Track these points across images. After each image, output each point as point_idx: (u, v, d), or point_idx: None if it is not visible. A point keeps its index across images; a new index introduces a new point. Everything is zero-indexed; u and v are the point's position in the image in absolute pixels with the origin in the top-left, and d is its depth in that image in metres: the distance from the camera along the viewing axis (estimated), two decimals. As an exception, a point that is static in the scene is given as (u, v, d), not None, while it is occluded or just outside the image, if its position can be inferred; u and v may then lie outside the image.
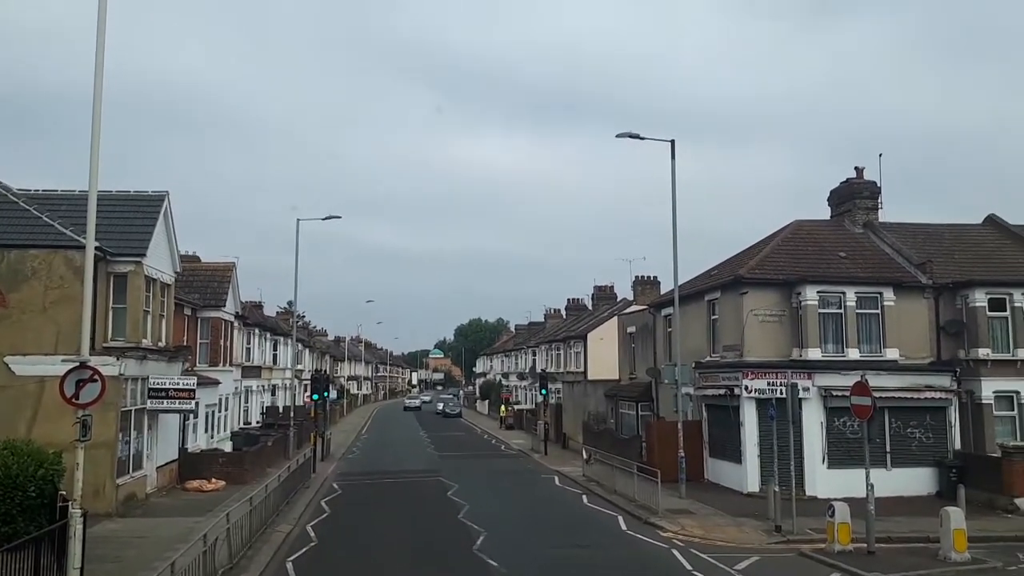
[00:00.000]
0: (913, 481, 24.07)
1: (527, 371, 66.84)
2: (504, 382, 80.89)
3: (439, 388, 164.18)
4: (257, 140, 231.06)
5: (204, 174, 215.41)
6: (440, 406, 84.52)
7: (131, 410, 22.01)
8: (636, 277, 48.56)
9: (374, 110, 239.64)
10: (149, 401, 23.01)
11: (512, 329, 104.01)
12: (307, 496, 25.18)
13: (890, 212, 31.23)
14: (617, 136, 24.23)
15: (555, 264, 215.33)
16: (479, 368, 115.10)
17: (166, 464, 25.50)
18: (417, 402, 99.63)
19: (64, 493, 13.14)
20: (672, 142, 24.73)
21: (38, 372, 19.38)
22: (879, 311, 25.69)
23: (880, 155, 37.04)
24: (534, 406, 54.98)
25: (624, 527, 20.13)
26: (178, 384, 23.72)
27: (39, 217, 21.09)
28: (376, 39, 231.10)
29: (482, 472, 32.73)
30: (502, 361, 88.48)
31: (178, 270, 26.09)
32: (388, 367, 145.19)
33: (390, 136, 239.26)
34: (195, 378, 25.31)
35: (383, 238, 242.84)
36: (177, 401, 23.52)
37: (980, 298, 25.58)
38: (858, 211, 30.01)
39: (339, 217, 37.50)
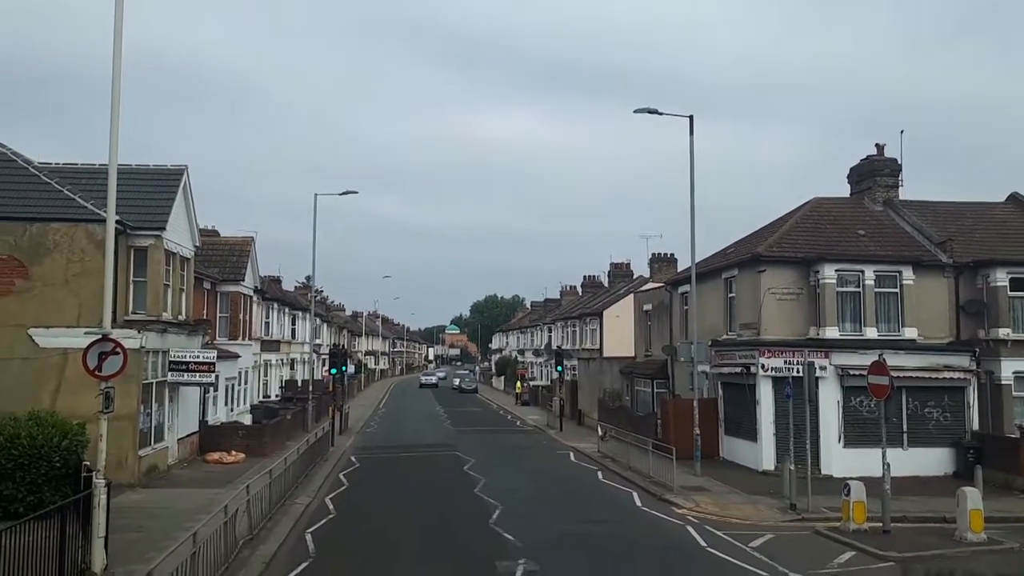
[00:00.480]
0: (930, 461, 24.00)
1: (543, 348, 66.98)
2: (520, 358, 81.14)
3: (455, 364, 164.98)
4: (275, 117, 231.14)
5: (222, 150, 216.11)
6: (456, 382, 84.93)
7: (152, 383, 22.29)
8: (653, 254, 48.44)
9: (392, 86, 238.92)
10: (170, 374, 23.30)
11: (528, 306, 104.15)
12: (325, 469, 25.48)
13: (911, 189, 30.93)
14: (635, 111, 24.07)
15: (571, 241, 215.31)
16: (495, 344, 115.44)
17: (187, 436, 25.87)
18: (433, 379, 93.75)
19: (88, 464, 13.36)
20: (691, 118, 24.54)
21: (61, 344, 19.65)
22: (898, 290, 25.48)
23: (902, 132, 36.74)
24: (549, 382, 55.16)
25: (639, 503, 20.24)
26: (198, 357, 23.99)
27: (60, 191, 21.27)
28: (395, 15, 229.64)
29: (498, 447, 32.96)
30: (518, 338, 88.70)
31: (197, 244, 26.28)
32: (405, 342, 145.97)
33: (408, 112, 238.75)
34: (215, 351, 25.59)
35: (401, 214, 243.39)
36: (197, 374, 23.79)
37: (1001, 277, 25.30)
38: (878, 189, 29.67)
39: (356, 192, 37.36)
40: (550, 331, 65.26)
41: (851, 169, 31.12)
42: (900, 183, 30.13)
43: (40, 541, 10.69)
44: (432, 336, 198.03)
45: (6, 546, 9.82)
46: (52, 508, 11.93)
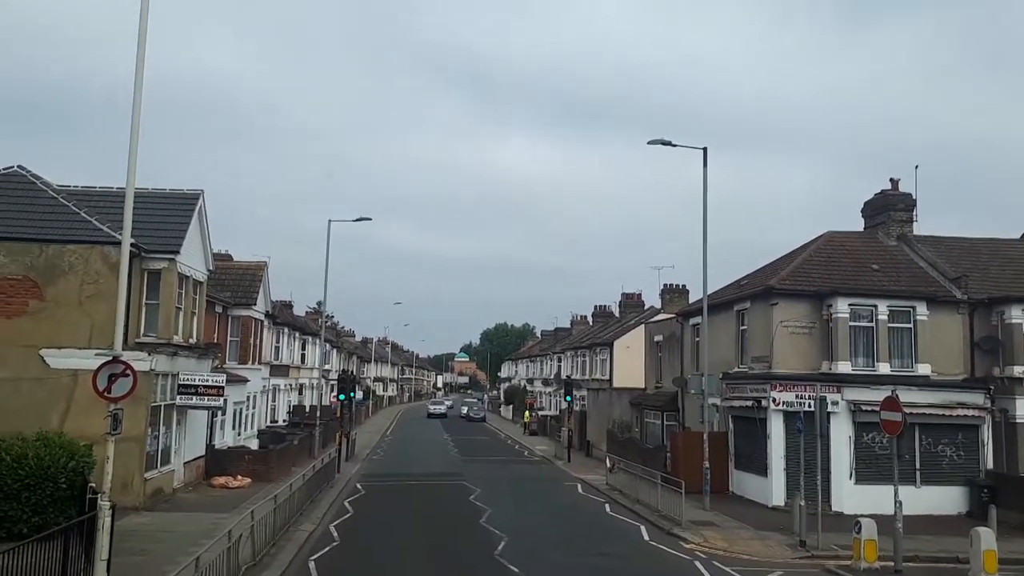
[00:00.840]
0: (943, 500, 23.65)
1: (552, 377, 66.73)
2: (529, 387, 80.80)
3: (464, 392, 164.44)
4: (289, 144, 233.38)
5: (236, 175, 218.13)
6: (464, 410, 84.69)
7: (161, 405, 22.32)
8: (664, 285, 48.36)
9: (403, 114, 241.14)
10: (179, 397, 23.33)
11: (538, 335, 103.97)
12: (331, 496, 25.34)
13: (925, 225, 30.78)
14: (649, 143, 24.22)
15: (582, 271, 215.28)
16: (504, 373, 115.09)
17: (193, 460, 25.82)
18: (442, 408, 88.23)
19: (94, 485, 13.35)
20: (704, 150, 24.65)
21: (72, 365, 19.74)
22: (912, 325, 25.28)
23: (916, 167, 36.47)
24: (558, 412, 54.85)
25: (647, 537, 20.00)
26: (207, 381, 24.02)
27: (77, 213, 21.50)
28: (402, 44, 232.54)
29: (505, 477, 32.71)
30: (527, 366, 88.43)
31: (211, 268, 26.44)
32: (414, 369, 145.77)
33: (418, 140, 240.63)
34: (224, 375, 25.63)
35: (413, 241, 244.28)
36: (206, 398, 23.81)
37: (1017, 314, 25.07)
38: (892, 223, 29.59)
39: (369, 219, 37.56)
40: (560, 361, 65.05)
41: (865, 203, 31.07)
42: (915, 218, 30.04)
43: (43, 563, 10.66)
44: (441, 363, 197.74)
45: (9, 567, 9.79)
46: (56, 530, 11.91)
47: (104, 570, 12.05)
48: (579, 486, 30.19)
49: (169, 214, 23.34)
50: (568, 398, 42.42)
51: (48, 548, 10.97)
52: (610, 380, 45.30)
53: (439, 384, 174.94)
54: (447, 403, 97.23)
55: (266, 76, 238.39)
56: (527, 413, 64.56)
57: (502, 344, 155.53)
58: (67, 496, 15.16)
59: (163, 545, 16.32)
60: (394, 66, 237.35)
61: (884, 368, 24.69)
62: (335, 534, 19.29)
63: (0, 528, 15.13)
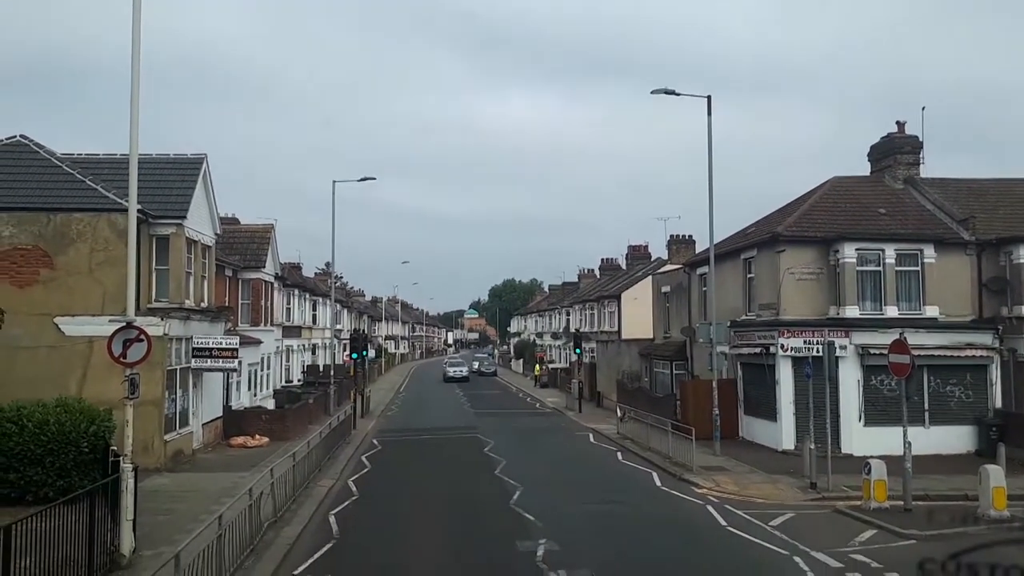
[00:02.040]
0: (952, 439, 23.87)
1: (561, 331, 67.07)
2: (538, 342, 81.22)
3: (473, 347, 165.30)
4: (292, 105, 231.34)
5: (239, 138, 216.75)
6: (475, 365, 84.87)
7: (176, 369, 22.61)
8: (671, 236, 48.14)
9: (409, 71, 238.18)
10: (193, 360, 23.62)
11: (546, 289, 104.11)
12: (348, 452, 25.77)
13: (932, 167, 30.51)
14: (652, 92, 24.03)
15: (589, 224, 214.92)
16: (513, 328, 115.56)
17: (211, 421, 26.24)
18: (463, 370, 69.99)
19: (115, 448, 13.62)
20: (708, 98, 24.42)
21: (86, 332, 19.97)
22: (919, 268, 25.23)
23: (923, 108, 36.11)
24: (568, 365, 55.26)
25: (659, 483, 20.33)
26: (221, 344, 24.28)
27: (83, 181, 21.53)
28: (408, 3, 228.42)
29: (517, 429, 33.14)
30: (536, 321, 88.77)
31: (218, 232, 26.53)
32: (424, 327, 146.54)
33: (424, 97, 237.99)
34: (237, 338, 25.89)
35: (418, 199, 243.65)
36: (221, 360, 24.10)
37: (1025, 254, 24.97)
38: (899, 167, 29.30)
39: (374, 179, 37.74)
40: (568, 314, 65.29)
41: (871, 147, 30.76)
42: (921, 161, 29.73)
43: (70, 525, 10.93)
44: (451, 320, 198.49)
45: (37, 530, 10.07)
46: (81, 492, 12.18)
47: (130, 530, 12.39)
48: (591, 436, 30.58)
49: (174, 179, 23.35)
50: (578, 351, 42.72)
51: (75, 510, 11.25)
52: (619, 332, 45.52)
53: (449, 341, 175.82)
54: (461, 368, 72.37)
55: (267, 39, 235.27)
56: (537, 366, 65.03)
57: (510, 300, 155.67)
58: (90, 460, 15.49)
59: (185, 504, 16.70)
60: (394, 25, 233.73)
61: (892, 311, 24.72)
62: (354, 488, 19.68)
63: (27, 492, 15.52)
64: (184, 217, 22.24)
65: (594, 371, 48.80)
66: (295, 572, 12.50)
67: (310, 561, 13.10)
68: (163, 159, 24.10)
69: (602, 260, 65.52)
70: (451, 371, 69.71)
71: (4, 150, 22.23)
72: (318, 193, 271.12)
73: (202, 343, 23.78)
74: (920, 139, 29.81)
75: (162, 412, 21.10)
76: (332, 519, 16.29)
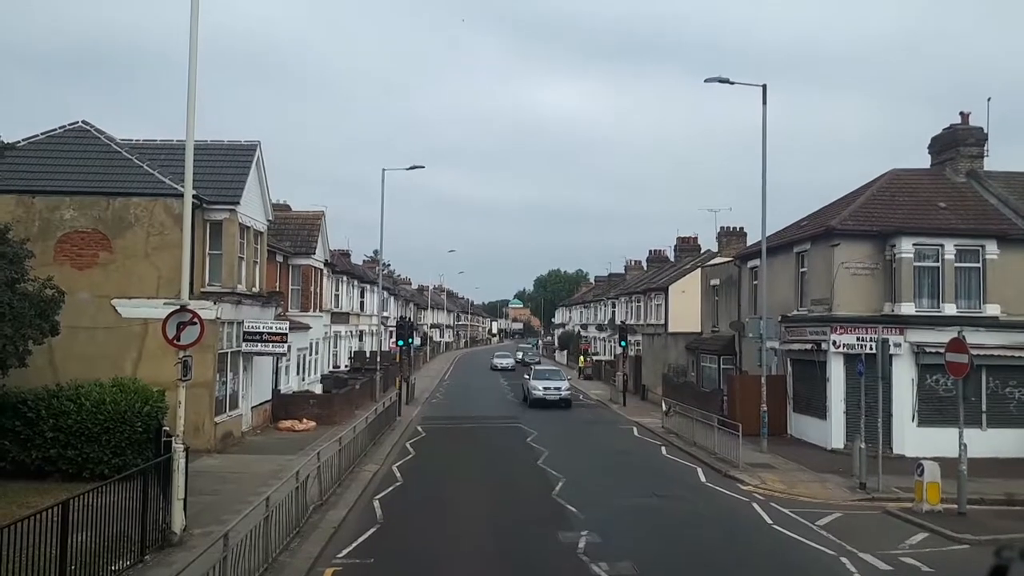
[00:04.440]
0: (1010, 442, 23.11)
1: (606, 322, 66.70)
2: (583, 333, 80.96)
3: (517, 337, 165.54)
4: (342, 94, 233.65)
5: (291, 126, 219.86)
6: (520, 355, 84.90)
7: (227, 352, 23.05)
8: (721, 228, 47.55)
9: (458, 60, 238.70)
10: (244, 344, 24.05)
11: (592, 280, 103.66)
12: (393, 438, 26.02)
13: (997, 160, 29.48)
14: (706, 81, 23.69)
15: (636, 215, 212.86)
16: (558, 319, 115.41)
17: (260, 404, 26.71)
18: (509, 361, 73.34)
19: (167, 429, 13.94)
20: (763, 87, 23.96)
21: (142, 315, 20.47)
22: (980, 265, 24.44)
23: (989, 99, 34.98)
24: (612, 357, 54.94)
25: (703, 479, 20.10)
26: (271, 328, 24.68)
27: (140, 166, 22.03)
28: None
29: (560, 421, 33.09)
30: (581, 312, 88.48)
31: (270, 218, 26.92)
32: (469, 316, 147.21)
33: (473, 86, 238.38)
34: (287, 323, 26.29)
35: (465, 189, 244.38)
36: (270, 344, 24.50)
37: (1094, 252, 24.01)
38: (961, 159, 28.35)
39: (422, 167, 37.73)
40: (614, 306, 64.90)
41: (932, 139, 29.81)
42: (985, 153, 28.73)
43: (124, 501, 11.25)
44: (496, 310, 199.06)
45: (93, 505, 10.37)
46: (135, 470, 12.52)
47: (181, 508, 12.69)
48: (635, 429, 30.38)
49: (228, 165, 23.74)
50: (623, 343, 42.41)
51: (129, 487, 11.56)
52: (665, 325, 45.08)
53: (494, 330, 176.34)
54: (506, 359, 74.70)
55: (319, 29, 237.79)
56: (582, 358, 64.84)
57: (555, 290, 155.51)
58: (143, 439, 15.91)
59: (234, 485, 17.04)
60: (443, 12, 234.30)
61: (950, 309, 24.00)
62: (398, 475, 19.86)
63: (84, 469, 16.03)
64: (237, 203, 22.61)
65: (639, 364, 48.46)
66: (339, 555, 12.66)
67: (354, 544, 13.27)
68: (218, 145, 24.52)
69: (650, 252, 64.88)
70: (498, 361, 74.01)
71: (66, 136, 22.85)
72: (368, 181, 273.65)
73: (253, 327, 24.20)
74: (985, 131, 28.80)
75: (213, 394, 21.53)
76: (376, 504, 16.46)
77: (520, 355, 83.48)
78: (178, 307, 13.13)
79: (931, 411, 23.26)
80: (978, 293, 24.44)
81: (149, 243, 21.20)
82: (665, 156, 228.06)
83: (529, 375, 42.18)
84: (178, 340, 12.91)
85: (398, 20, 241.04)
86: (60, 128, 23.04)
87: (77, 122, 23.31)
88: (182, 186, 14.73)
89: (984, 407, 23.49)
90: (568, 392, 39.42)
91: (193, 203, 14.85)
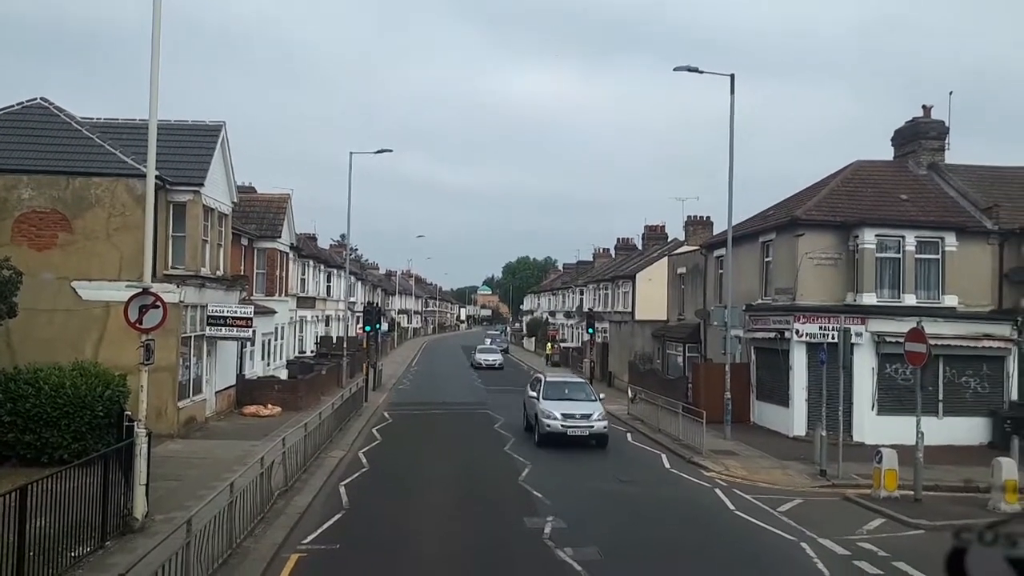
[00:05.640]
0: (965, 431, 23.71)
1: (574, 310, 67.00)
2: (551, 320, 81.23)
3: (485, 324, 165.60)
4: (307, 76, 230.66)
5: (257, 108, 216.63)
6: (487, 342, 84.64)
7: (191, 336, 22.74)
8: (688, 217, 47.93)
9: (421, 44, 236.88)
10: (208, 328, 23.73)
11: (560, 267, 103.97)
12: (359, 424, 25.92)
13: (958, 153, 30.07)
14: (675, 69, 23.70)
15: (605, 203, 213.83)
16: (526, 306, 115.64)
17: (224, 389, 26.43)
18: (496, 358, 55.86)
19: (129, 413, 13.75)
20: (731, 76, 24.06)
21: (103, 297, 20.09)
22: (940, 256, 24.95)
23: (951, 93, 35.62)
24: (580, 344, 55.24)
25: (667, 465, 20.33)
26: (236, 312, 24.37)
27: (101, 145, 21.55)
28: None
29: (528, 407, 33.13)
30: (549, 299, 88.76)
31: (235, 200, 26.55)
32: (438, 302, 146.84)
33: (441, 71, 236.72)
34: (252, 307, 25.98)
35: (435, 174, 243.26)
36: (235, 329, 24.20)
37: (1049, 246, 24.62)
38: (923, 152, 28.88)
39: (390, 151, 37.53)
40: (582, 293, 65.20)
41: (895, 132, 30.32)
42: (947, 146, 29.30)
43: (84, 487, 11.06)
44: (464, 296, 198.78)
45: (52, 491, 10.19)
46: (96, 455, 12.32)
47: (143, 494, 12.52)
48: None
49: (192, 146, 23.34)
50: (590, 330, 42.70)
51: (89, 473, 11.37)
52: (632, 312, 45.42)
53: (462, 317, 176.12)
54: (499, 347, 64.46)
55: (291, 11, 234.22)
56: (549, 345, 65.09)
57: (524, 277, 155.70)
58: (105, 424, 15.65)
59: (197, 471, 16.86)
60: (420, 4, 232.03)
61: (910, 299, 24.49)
62: (364, 460, 19.80)
63: (43, 454, 15.71)
64: (202, 184, 22.25)
65: (606, 351, 48.78)
66: (304, 541, 12.60)
67: (320, 530, 13.22)
68: (182, 125, 24.08)
69: (618, 240, 65.22)
70: (481, 358, 54.26)
71: (24, 113, 22.27)
72: (333, 163, 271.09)
73: (217, 311, 23.89)
74: (946, 124, 29.35)
75: (176, 379, 21.26)
76: (342, 490, 16.40)
77: (488, 342, 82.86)
78: (140, 290, 12.91)
79: (890, 400, 23.74)
80: (937, 284, 24.96)
81: (110, 224, 20.78)
82: (635, 145, 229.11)
83: (538, 390, 24.46)
84: (140, 323, 12.70)
85: (367, 4, 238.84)
86: (18, 105, 22.44)
87: (35, 99, 22.71)
88: (144, 166, 14.45)
89: (941, 396, 24.03)
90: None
91: (156, 184, 14.57)
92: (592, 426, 22.24)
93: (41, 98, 22.75)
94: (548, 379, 25.37)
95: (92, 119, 23.65)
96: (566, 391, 24.31)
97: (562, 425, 22.14)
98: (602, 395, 26.70)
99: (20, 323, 17.88)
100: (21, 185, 20.67)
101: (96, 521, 11.33)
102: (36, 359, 17.25)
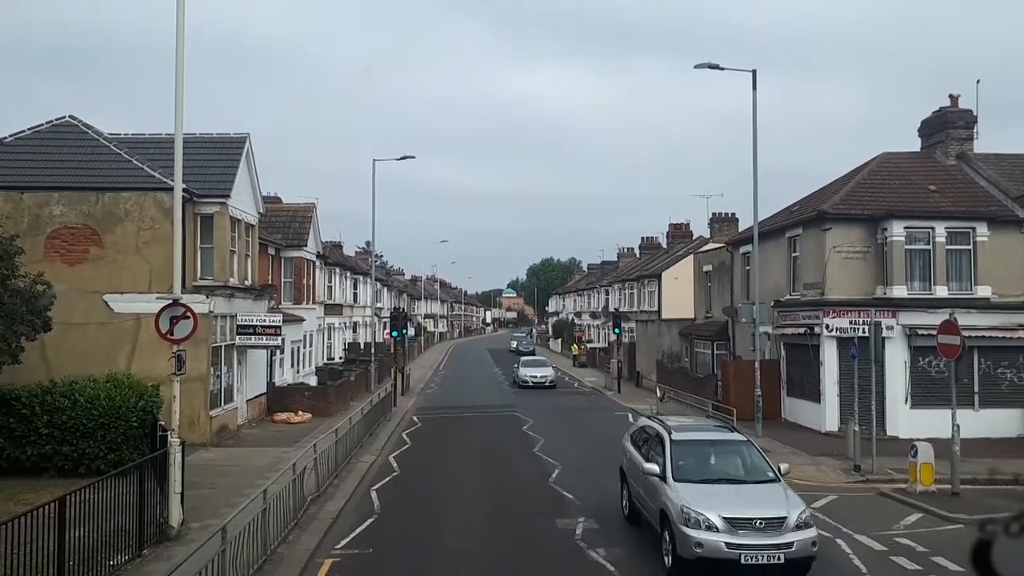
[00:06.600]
0: (1002, 422, 23.30)
1: (600, 310, 66.80)
2: (576, 321, 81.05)
3: (511, 327, 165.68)
4: (330, 87, 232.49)
5: (279, 119, 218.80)
6: (513, 344, 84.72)
7: (221, 346, 23.00)
8: (713, 214, 47.62)
9: (442, 50, 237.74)
10: (238, 337, 23.99)
11: (585, 268, 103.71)
12: (389, 428, 26.04)
13: (987, 142, 29.58)
14: (696, 67, 23.56)
15: (629, 202, 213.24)
16: (551, 307, 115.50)
17: (255, 397, 26.68)
18: (547, 372, 43.28)
19: (163, 423, 13.91)
20: (754, 72, 23.88)
21: (134, 309, 20.39)
22: (971, 247, 24.55)
23: (978, 81, 35.03)
24: (607, 345, 55.03)
25: (699, 464, 20.14)
26: (264, 321, 24.61)
27: (129, 160, 21.88)
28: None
29: (555, 408, 33.16)
30: (574, 300, 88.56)
31: (261, 211, 26.81)
32: (463, 306, 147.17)
33: (462, 75, 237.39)
34: (280, 315, 26.21)
35: (457, 179, 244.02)
36: (264, 337, 24.45)
37: (1083, 233, 24.13)
38: (951, 142, 28.42)
39: (413, 157, 37.56)
40: (607, 293, 64.99)
41: (922, 122, 29.87)
42: (975, 135, 28.80)
43: (121, 497, 11.23)
44: (489, 300, 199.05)
45: (90, 501, 10.35)
46: (131, 465, 12.50)
47: (178, 502, 12.68)
48: (629, 416, 30.44)
49: (217, 159, 23.62)
50: (617, 330, 42.48)
51: (125, 482, 11.54)
52: (659, 311, 45.19)
53: (487, 320, 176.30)
54: (550, 362, 48.06)
55: (310, 23, 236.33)
56: (576, 346, 64.94)
57: (549, 279, 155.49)
58: (139, 434, 15.89)
59: (231, 479, 17.03)
60: (435, 7, 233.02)
61: (941, 291, 24.12)
62: (395, 465, 19.89)
63: (80, 464, 16.00)
64: (228, 196, 22.50)
65: (633, 351, 48.57)
66: (337, 546, 12.69)
67: (352, 535, 13.30)
68: (207, 138, 24.38)
69: (642, 239, 64.91)
70: (527, 373, 43.09)
71: (54, 131, 22.68)
72: (357, 172, 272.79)
73: (246, 320, 24.13)
74: (974, 113, 28.88)
75: (208, 388, 21.50)
76: (374, 494, 16.49)
77: (514, 344, 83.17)
78: (170, 301, 13.09)
79: (924, 393, 23.40)
80: (969, 275, 24.55)
81: (140, 237, 21.09)
82: (657, 142, 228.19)
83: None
84: (171, 334, 12.87)
85: (383, 7, 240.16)
86: (47, 123, 22.86)
87: (64, 116, 23.12)
88: (172, 180, 14.65)
89: (976, 388, 23.64)
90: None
91: (183, 197, 14.77)
92: (791, 544, 10.61)
93: (70, 116, 23.15)
94: (676, 437, 12.89)
95: (119, 135, 24.02)
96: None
97: (727, 546, 10.59)
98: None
99: (54, 337, 18.19)
100: (52, 202, 21.05)
101: (133, 530, 11.50)
102: (71, 372, 17.57)
